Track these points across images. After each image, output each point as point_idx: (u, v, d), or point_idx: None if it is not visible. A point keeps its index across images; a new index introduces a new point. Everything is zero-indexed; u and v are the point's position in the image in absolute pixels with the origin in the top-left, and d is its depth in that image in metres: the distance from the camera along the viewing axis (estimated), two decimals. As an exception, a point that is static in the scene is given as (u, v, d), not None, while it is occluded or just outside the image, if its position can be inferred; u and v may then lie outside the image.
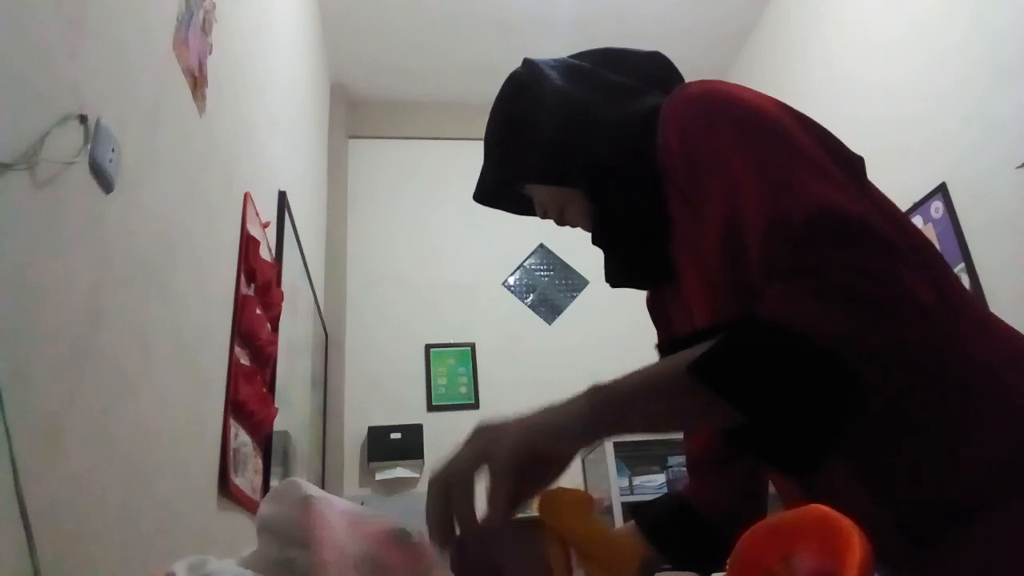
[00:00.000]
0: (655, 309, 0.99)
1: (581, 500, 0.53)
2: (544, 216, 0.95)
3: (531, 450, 0.52)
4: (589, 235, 0.92)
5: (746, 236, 0.64)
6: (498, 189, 1.01)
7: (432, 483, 0.54)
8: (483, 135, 0.97)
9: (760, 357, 0.52)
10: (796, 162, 0.63)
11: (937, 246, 2.71)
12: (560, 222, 0.94)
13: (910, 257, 0.56)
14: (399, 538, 0.53)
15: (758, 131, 0.67)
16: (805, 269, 0.56)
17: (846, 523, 0.36)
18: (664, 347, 0.96)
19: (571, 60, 0.91)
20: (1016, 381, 0.61)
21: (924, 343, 0.54)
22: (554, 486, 0.55)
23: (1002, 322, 0.68)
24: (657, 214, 0.80)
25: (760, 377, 0.51)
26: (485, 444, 0.53)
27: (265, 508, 0.56)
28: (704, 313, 0.79)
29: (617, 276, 0.92)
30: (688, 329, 0.86)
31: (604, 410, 0.55)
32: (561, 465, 0.56)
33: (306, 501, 0.52)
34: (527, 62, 0.92)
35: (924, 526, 0.61)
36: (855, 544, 0.34)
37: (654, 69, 0.89)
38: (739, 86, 0.74)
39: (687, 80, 0.83)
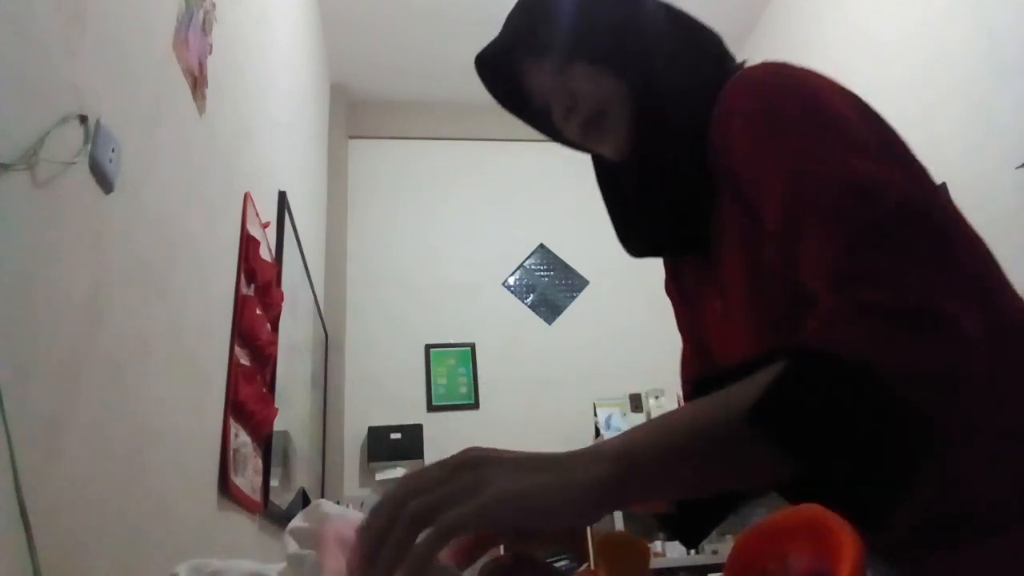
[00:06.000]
0: (678, 291, 0.90)
1: (638, 550, 0.51)
2: (566, 116, 0.77)
3: (509, 525, 0.43)
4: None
5: (803, 234, 0.58)
6: (512, 58, 0.81)
7: (388, 500, 0.43)
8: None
9: (831, 399, 0.44)
10: (856, 155, 0.59)
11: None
12: (585, 130, 0.76)
13: (964, 269, 0.51)
14: None
15: (823, 125, 0.63)
16: (854, 278, 0.51)
17: (838, 522, 0.36)
18: (690, 365, 0.90)
19: None
20: None
21: (967, 367, 0.48)
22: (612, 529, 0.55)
23: None
24: (699, 175, 0.71)
25: (834, 423, 0.44)
26: (462, 486, 0.42)
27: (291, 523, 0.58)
28: (743, 312, 0.72)
29: (641, 238, 0.79)
30: (722, 320, 0.77)
31: (631, 480, 0.44)
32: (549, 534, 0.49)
33: (323, 512, 0.55)
34: None
35: (940, 531, 0.61)
36: (847, 543, 0.34)
37: (715, 46, 0.80)
38: (800, 72, 0.71)
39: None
